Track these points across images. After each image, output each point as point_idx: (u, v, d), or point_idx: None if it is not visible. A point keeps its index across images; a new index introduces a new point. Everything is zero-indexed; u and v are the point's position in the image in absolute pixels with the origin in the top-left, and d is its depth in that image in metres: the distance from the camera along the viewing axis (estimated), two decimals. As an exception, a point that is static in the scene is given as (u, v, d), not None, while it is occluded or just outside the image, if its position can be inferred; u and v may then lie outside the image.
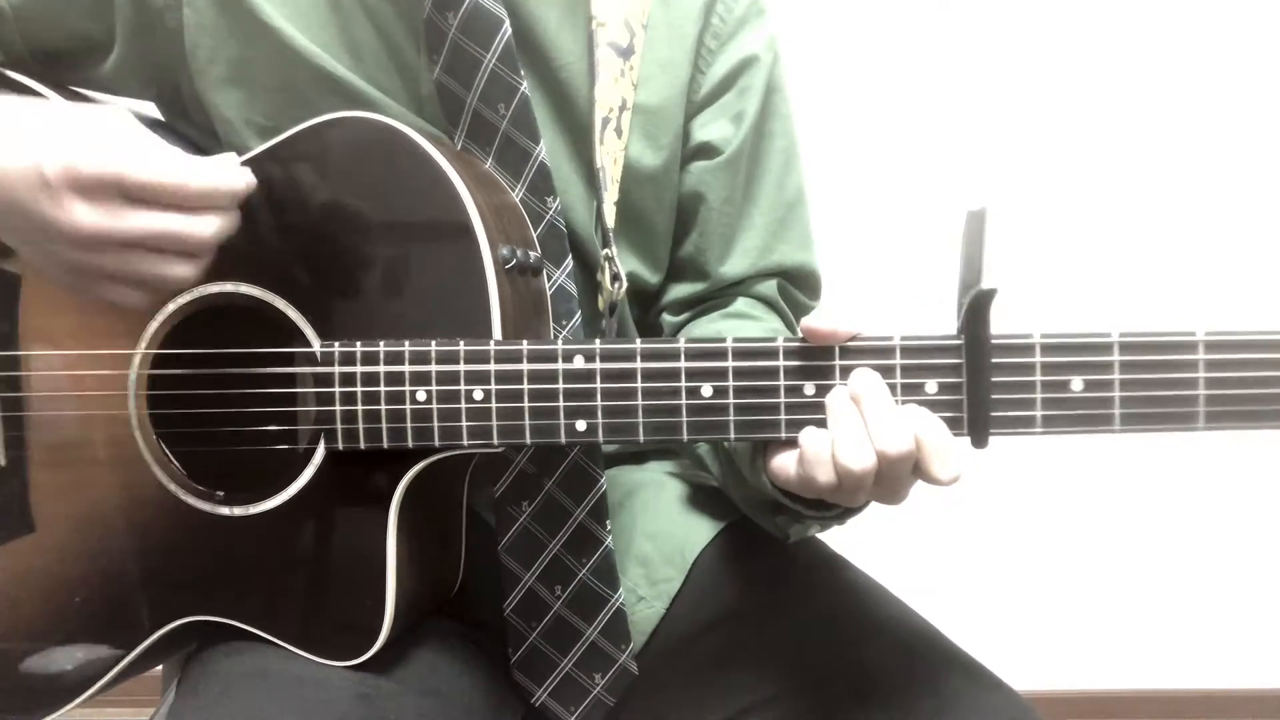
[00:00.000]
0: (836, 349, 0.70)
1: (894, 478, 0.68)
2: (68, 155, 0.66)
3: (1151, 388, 0.67)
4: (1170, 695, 2.06)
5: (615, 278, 0.87)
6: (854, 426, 0.67)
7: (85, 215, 0.66)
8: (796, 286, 0.98)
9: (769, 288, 0.96)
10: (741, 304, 0.95)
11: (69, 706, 0.82)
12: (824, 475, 0.68)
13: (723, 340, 0.71)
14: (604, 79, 0.86)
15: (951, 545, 1.97)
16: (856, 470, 0.66)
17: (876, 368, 0.69)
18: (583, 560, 0.88)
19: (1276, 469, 1.95)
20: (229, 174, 0.71)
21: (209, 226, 0.70)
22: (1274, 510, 1.99)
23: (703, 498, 0.96)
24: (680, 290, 0.97)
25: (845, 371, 0.70)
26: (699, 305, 0.97)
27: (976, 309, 0.67)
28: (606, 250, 0.86)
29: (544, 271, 0.84)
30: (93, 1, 0.83)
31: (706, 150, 0.93)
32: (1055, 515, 1.99)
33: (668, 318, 0.98)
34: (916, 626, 0.86)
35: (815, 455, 0.68)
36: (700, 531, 0.94)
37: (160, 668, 0.91)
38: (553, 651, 0.88)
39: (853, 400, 0.68)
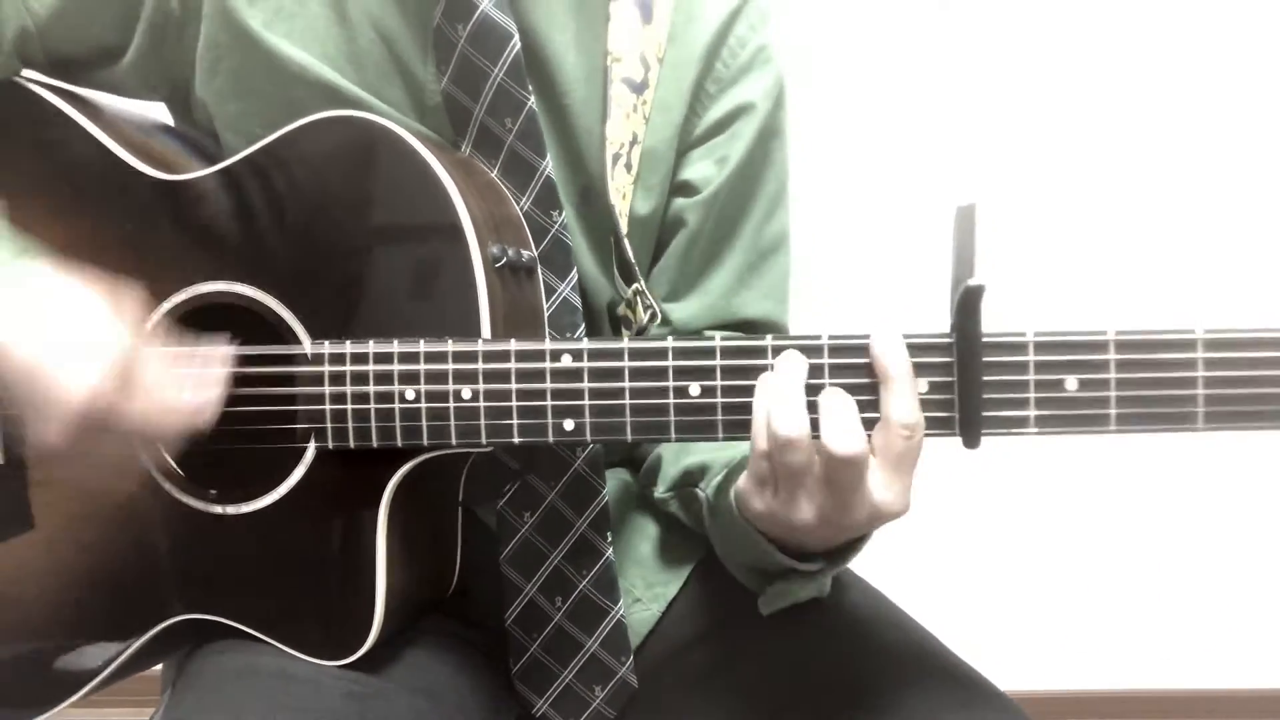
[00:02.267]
0: (825, 349, 0.69)
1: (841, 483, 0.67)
2: (91, 393, 0.68)
3: (1148, 387, 0.66)
4: (1168, 695, 2.04)
5: (649, 308, 0.86)
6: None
7: (60, 441, 0.69)
8: None
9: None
10: None
11: (64, 704, 0.83)
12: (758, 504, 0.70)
13: (710, 339, 0.71)
14: (616, 115, 0.86)
15: (950, 546, 1.96)
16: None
17: (866, 366, 0.68)
18: (583, 572, 0.87)
19: (1275, 468, 1.93)
20: (199, 411, 0.72)
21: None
22: (1273, 510, 1.97)
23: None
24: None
25: (834, 370, 0.69)
26: None
27: (967, 305, 0.65)
28: (636, 284, 0.86)
29: (540, 276, 0.84)
30: (115, 17, 0.85)
31: (686, 188, 0.91)
32: (1053, 516, 1.98)
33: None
34: (916, 636, 0.85)
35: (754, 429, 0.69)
36: (699, 538, 0.93)
37: (160, 668, 0.92)
38: (553, 663, 0.88)
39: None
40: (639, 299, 0.87)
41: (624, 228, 0.87)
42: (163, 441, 0.72)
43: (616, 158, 0.86)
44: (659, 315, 0.87)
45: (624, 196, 0.87)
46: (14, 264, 0.75)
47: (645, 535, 0.94)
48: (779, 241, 0.95)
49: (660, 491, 0.91)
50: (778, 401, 0.67)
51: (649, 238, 0.92)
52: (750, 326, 0.93)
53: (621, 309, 0.88)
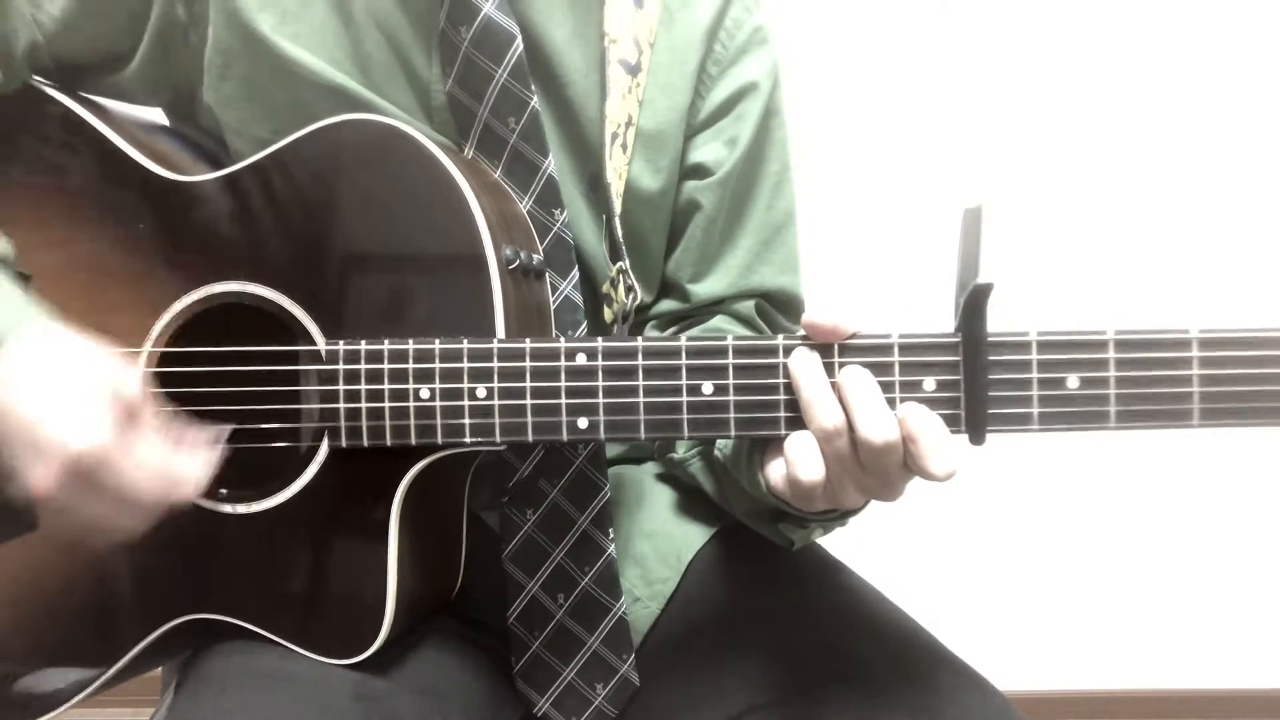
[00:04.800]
0: (835, 347, 0.70)
1: (882, 469, 0.68)
2: (81, 439, 0.67)
3: (1146, 385, 0.68)
4: (1168, 695, 2.06)
5: (630, 289, 0.88)
6: (835, 415, 0.68)
7: (51, 489, 0.67)
8: (778, 310, 0.98)
9: (746, 307, 0.97)
10: (717, 320, 0.96)
11: (69, 705, 0.82)
12: (809, 474, 0.69)
13: (723, 338, 0.72)
14: (614, 95, 0.87)
15: (946, 546, 1.98)
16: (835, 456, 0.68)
17: (874, 365, 0.69)
18: (585, 569, 0.88)
19: (1273, 467, 1.97)
20: (189, 480, 0.71)
21: (137, 525, 0.71)
22: (1270, 509, 2.00)
23: (700, 499, 0.96)
24: (662, 306, 0.98)
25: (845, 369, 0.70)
26: (680, 323, 0.98)
27: (973, 305, 0.67)
28: (620, 263, 0.88)
29: (547, 277, 0.85)
30: (122, 24, 0.85)
31: (699, 171, 0.94)
32: (1053, 516, 2.00)
33: (651, 333, 0.99)
34: (910, 630, 0.86)
35: (799, 455, 0.69)
36: (696, 533, 0.95)
37: (160, 669, 0.91)
38: (555, 661, 0.89)
39: (839, 394, 0.69)
40: (621, 278, 0.88)
41: (618, 207, 0.88)
42: (142, 510, 0.70)
43: (614, 137, 0.88)
44: (638, 295, 0.89)
45: (620, 176, 0.89)
46: (23, 321, 0.73)
47: (643, 534, 0.95)
48: (788, 217, 0.98)
49: (683, 452, 0.93)
50: (811, 396, 0.69)
51: (660, 216, 0.94)
52: (770, 297, 0.97)
53: (605, 287, 0.89)
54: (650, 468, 1.02)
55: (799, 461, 0.69)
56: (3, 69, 0.83)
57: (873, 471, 0.68)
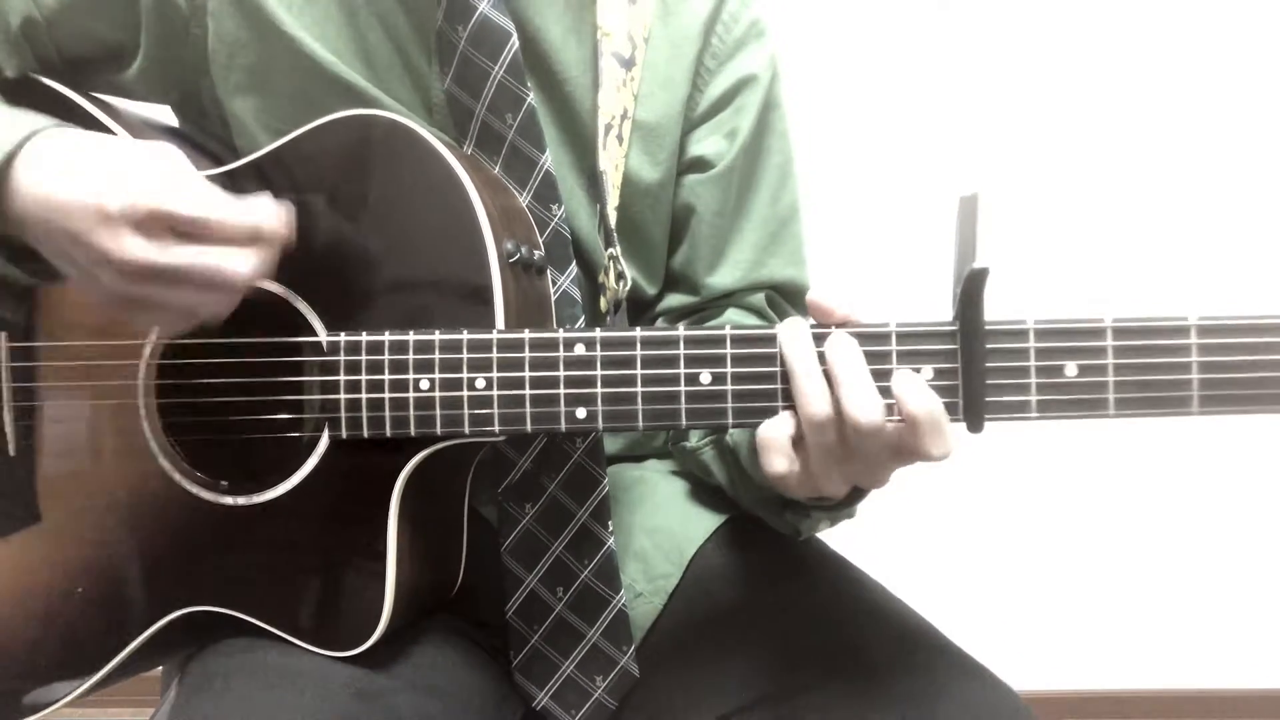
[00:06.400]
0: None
1: (866, 453, 0.68)
2: (127, 191, 0.68)
3: (1145, 372, 0.68)
4: (1168, 695, 2.06)
5: (620, 276, 0.88)
6: (821, 396, 0.68)
7: (136, 248, 0.68)
8: (788, 301, 0.99)
9: (757, 299, 0.97)
10: (730, 314, 0.96)
11: (66, 700, 0.82)
12: (780, 465, 0.69)
13: (721, 328, 0.72)
14: (607, 87, 0.88)
15: (950, 543, 1.98)
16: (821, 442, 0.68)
17: (872, 354, 0.69)
18: (584, 562, 0.88)
19: (1273, 467, 1.97)
20: (269, 215, 0.72)
21: (246, 264, 0.71)
22: (1273, 510, 2.00)
23: (701, 494, 0.97)
24: (672, 301, 0.98)
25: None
26: (690, 316, 0.98)
27: (970, 291, 0.67)
28: (611, 250, 0.88)
29: (548, 272, 0.85)
30: (121, 12, 0.85)
31: (699, 164, 0.94)
32: (1054, 515, 2.00)
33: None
34: (913, 623, 0.86)
35: (771, 441, 0.69)
36: (698, 528, 0.95)
37: (160, 668, 0.91)
38: (554, 654, 0.88)
39: (826, 369, 0.69)
40: (612, 264, 0.88)
41: (613, 199, 0.89)
42: (231, 263, 0.70)
43: (608, 129, 0.88)
44: (628, 281, 0.89)
45: (617, 168, 0.89)
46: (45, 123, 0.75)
47: (644, 530, 0.95)
48: (793, 209, 0.98)
49: (695, 441, 0.94)
50: (803, 380, 0.69)
51: (661, 208, 0.94)
52: (780, 289, 0.97)
53: (600, 277, 0.90)
54: (651, 465, 1.02)
55: (768, 448, 0.69)
56: None
57: (859, 455, 0.68)
